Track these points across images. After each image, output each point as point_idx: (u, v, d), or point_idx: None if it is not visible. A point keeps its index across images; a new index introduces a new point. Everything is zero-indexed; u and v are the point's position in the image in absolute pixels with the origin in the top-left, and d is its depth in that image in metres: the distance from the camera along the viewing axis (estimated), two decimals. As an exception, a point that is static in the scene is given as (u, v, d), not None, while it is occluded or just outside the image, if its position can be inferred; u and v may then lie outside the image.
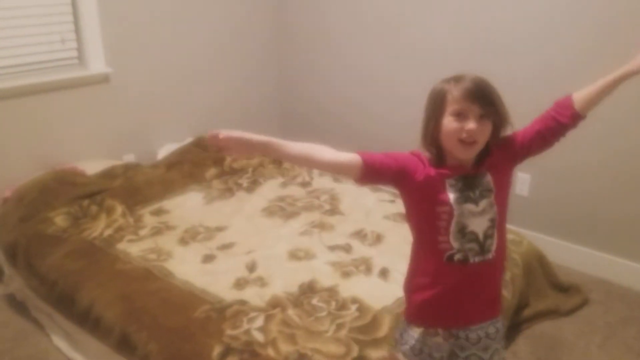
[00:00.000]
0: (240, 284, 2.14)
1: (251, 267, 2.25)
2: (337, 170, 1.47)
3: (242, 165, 3.22)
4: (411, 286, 1.52)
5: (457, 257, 1.40)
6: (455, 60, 3.13)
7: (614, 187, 2.72)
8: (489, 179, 1.41)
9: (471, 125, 1.33)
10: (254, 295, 2.06)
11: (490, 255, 1.42)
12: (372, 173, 1.40)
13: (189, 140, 3.42)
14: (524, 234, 2.65)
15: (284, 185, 3.06)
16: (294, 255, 2.34)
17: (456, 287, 1.43)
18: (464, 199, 1.39)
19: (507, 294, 2.28)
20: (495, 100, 1.38)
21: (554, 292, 2.57)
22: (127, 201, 2.76)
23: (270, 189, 3.01)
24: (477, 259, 1.40)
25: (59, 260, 2.34)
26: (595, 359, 2.28)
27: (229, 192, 2.97)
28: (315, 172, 3.22)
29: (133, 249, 2.40)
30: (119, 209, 2.69)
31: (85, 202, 2.70)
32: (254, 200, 2.88)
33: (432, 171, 1.40)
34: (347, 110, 3.72)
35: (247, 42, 3.81)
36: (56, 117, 3.03)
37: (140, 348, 1.90)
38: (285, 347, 1.79)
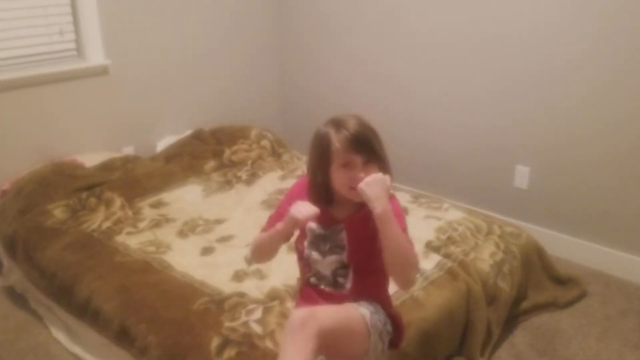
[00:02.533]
0: (239, 276, 2.15)
1: (250, 260, 2.25)
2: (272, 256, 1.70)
3: (241, 158, 3.22)
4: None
5: (312, 281, 1.62)
6: (457, 53, 3.12)
7: (613, 180, 2.72)
8: (342, 236, 1.54)
9: (360, 174, 1.45)
10: (252, 288, 2.06)
11: (344, 290, 1.57)
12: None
13: (188, 132, 3.42)
14: (522, 227, 2.65)
15: (283, 178, 3.06)
16: (293, 248, 2.32)
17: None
18: (315, 246, 1.57)
19: (506, 286, 2.29)
20: (375, 146, 1.49)
21: (552, 285, 2.58)
22: (126, 193, 2.75)
23: (270, 182, 3.01)
24: (328, 289, 1.59)
25: (58, 253, 2.35)
26: (593, 350, 2.29)
27: (228, 184, 2.97)
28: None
29: (132, 241, 2.40)
30: (118, 201, 2.69)
31: (84, 195, 2.70)
32: (253, 192, 2.88)
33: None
34: (348, 102, 3.71)
35: (247, 33, 3.79)
36: (55, 109, 3.03)
37: (139, 340, 1.90)
38: (283, 339, 1.79)
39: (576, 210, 2.89)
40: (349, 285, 1.56)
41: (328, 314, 1.46)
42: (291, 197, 1.63)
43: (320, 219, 1.53)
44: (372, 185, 1.42)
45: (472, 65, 3.07)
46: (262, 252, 1.67)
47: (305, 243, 1.58)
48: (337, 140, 1.46)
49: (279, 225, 1.54)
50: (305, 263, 1.63)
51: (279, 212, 1.63)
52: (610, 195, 2.76)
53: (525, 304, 2.46)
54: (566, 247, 2.89)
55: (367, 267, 1.56)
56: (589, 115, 2.71)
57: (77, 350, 2.27)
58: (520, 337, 2.36)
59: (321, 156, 1.50)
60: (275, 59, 4.02)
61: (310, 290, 1.63)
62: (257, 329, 1.84)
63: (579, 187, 2.85)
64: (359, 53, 3.57)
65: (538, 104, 2.87)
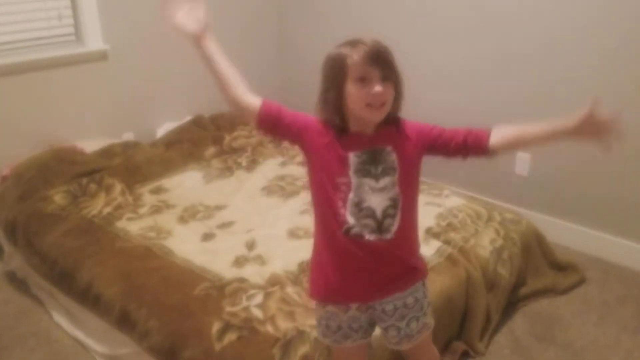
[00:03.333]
0: (239, 262, 2.15)
1: (251, 246, 2.26)
2: (239, 108, 1.45)
3: (241, 145, 3.21)
4: (314, 263, 1.52)
5: (353, 231, 1.39)
6: (459, 34, 3.10)
7: (613, 167, 2.72)
8: (393, 157, 1.40)
9: (377, 88, 1.32)
10: (253, 273, 2.07)
11: (388, 236, 1.40)
12: (268, 122, 1.42)
13: (188, 118, 3.41)
14: (523, 214, 2.66)
15: (283, 164, 3.06)
16: (294, 234, 2.34)
17: (356, 262, 1.42)
18: (364, 172, 1.38)
19: (505, 272, 2.30)
20: (393, 60, 1.37)
21: (551, 271, 2.59)
22: (126, 180, 2.75)
23: (270, 168, 3.00)
24: (372, 237, 1.39)
25: (58, 238, 2.35)
26: (591, 336, 2.30)
27: (228, 171, 2.97)
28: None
29: (132, 227, 2.40)
30: (118, 187, 2.69)
31: (84, 181, 2.70)
32: (253, 179, 2.88)
33: (336, 141, 1.38)
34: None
35: (245, 15, 3.75)
36: (54, 94, 3.02)
37: (141, 325, 1.91)
38: (284, 324, 1.80)
39: (576, 198, 2.89)
40: (394, 228, 1.40)
41: None
42: (309, 121, 1.44)
43: (361, 143, 1.38)
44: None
45: (474, 50, 3.05)
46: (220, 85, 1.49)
47: (352, 172, 1.38)
48: (354, 53, 1.33)
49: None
50: (342, 213, 1.39)
51: (297, 113, 1.45)
52: (610, 183, 2.76)
53: (524, 290, 2.47)
54: (566, 234, 2.89)
55: (411, 203, 1.46)
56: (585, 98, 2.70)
57: (78, 335, 2.29)
58: (519, 322, 2.37)
59: (335, 72, 1.36)
60: (273, 40, 3.97)
61: (348, 246, 1.40)
62: (258, 313, 1.85)
63: (580, 175, 2.85)
64: (362, 30, 3.53)
65: (540, 90, 2.86)
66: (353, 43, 1.36)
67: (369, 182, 1.38)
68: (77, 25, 3.05)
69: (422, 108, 3.31)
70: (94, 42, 3.09)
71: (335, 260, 1.44)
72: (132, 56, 3.27)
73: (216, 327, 1.80)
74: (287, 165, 3.04)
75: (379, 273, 1.44)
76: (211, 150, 3.13)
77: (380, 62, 1.34)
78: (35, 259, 2.38)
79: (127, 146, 3.05)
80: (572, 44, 2.70)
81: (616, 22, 2.55)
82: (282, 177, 2.89)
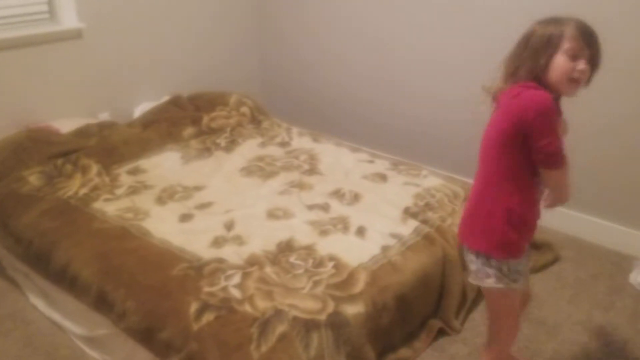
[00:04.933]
0: (218, 242, 2.15)
1: (229, 226, 2.25)
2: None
3: (220, 125, 3.18)
4: (510, 220, 1.59)
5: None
6: (442, 20, 3.10)
7: (586, 150, 2.76)
8: None
9: (582, 66, 1.45)
10: (232, 254, 2.07)
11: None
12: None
13: (165, 98, 3.36)
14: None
15: (262, 145, 3.05)
16: (273, 215, 2.34)
17: (538, 199, 1.62)
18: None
19: (482, 251, 2.33)
20: (601, 49, 1.49)
21: (527, 250, 2.63)
22: (102, 160, 2.72)
23: (249, 149, 2.99)
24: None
25: (34, 220, 2.32)
26: (564, 313, 2.35)
27: (207, 151, 2.95)
28: (295, 132, 3.20)
29: (109, 208, 2.38)
30: (95, 168, 2.66)
31: (60, 161, 2.66)
32: (232, 159, 2.87)
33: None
34: (327, 63, 3.68)
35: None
36: (28, 74, 2.95)
37: (118, 305, 1.91)
38: (262, 304, 1.81)
39: (552, 178, 2.93)
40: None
41: None
42: (550, 109, 1.49)
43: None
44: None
45: (456, 34, 3.05)
46: None
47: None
48: (572, 28, 1.46)
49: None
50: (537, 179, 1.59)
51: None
52: (584, 163, 2.79)
53: (500, 269, 2.51)
54: (541, 213, 2.93)
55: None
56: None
57: (55, 316, 2.27)
58: (494, 300, 2.41)
59: (548, 42, 1.47)
60: (251, 18, 3.93)
61: (537, 187, 1.61)
62: (236, 293, 1.86)
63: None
64: (342, 12, 3.51)
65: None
66: (567, 21, 1.47)
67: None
68: (51, 2, 2.97)
69: (415, 98, 3.35)
70: (69, 20, 3.02)
71: (531, 206, 1.64)
72: (108, 35, 3.20)
73: (194, 307, 1.80)
74: (267, 146, 3.03)
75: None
76: (189, 130, 3.10)
77: (593, 43, 1.47)
78: (10, 240, 2.35)
79: (103, 126, 3.00)
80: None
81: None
82: (261, 158, 2.88)
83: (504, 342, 1.78)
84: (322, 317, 1.78)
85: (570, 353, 2.15)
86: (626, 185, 2.71)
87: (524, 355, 2.10)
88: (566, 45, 1.45)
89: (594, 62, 1.48)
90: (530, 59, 1.49)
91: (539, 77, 1.49)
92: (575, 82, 1.47)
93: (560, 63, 1.45)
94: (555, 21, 1.49)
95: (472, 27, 2.97)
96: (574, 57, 1.45)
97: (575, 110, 2.71)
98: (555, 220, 2.91)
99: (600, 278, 2.59)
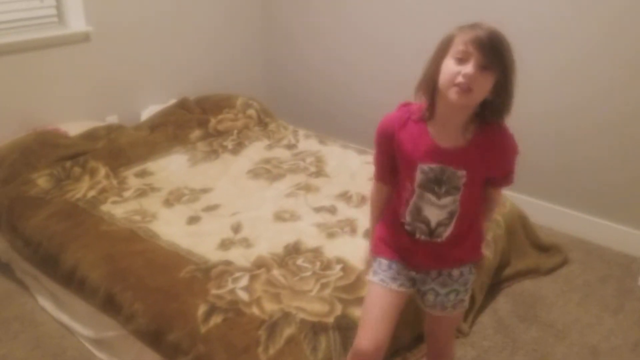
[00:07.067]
0: (225, 244, 2.15)
1: (236, 229, 2.26)
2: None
3: (227, 128, 3.19)
4: (381, 218, 1.58)
5: (408, 227, 1.48)
6: (445, 17, 3.09)
7: (595, 150, 2.75)
8: (462, 174, 1.39)
9: (468, 69, 1.27)
10: (239, 256, 2.07)
11: (439, 240, 1.46)
12: (390, 176, 1.51)
13: (172, 101, 3.37)
14: (507, 195, 2.67)
15: (269, 147, 3.05)
16: (280, 217, 2.35)
17: (407, 244, 1.50)
18: (428, 188, 1.41)
19: (489, 253, 2.32)
20: (504, 54, 1.31)
21: (535, 252, 2.62)
22: (110, 163, 2.73)
23: (256, 151, 2.99)
24: (423, 238, 1.47)
25: (42, 222, 2.33)
26: (573, 316, 2.34)
27: (213, 154, 2.95)
28: (301, 134, 3.20)
29: (117, 210, 2.39)
30: (103, 170, 2.67)
31: (68, 164, 2.67)
32: (239, 162, 2.87)
33: (420, 140, 1.40)
34: (333, 64, 3.68)
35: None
36: (36, 77, 2.97)
37: (126, 308, 1.91)
38: (269, 306, 1.81)
39: (559, 180, 2.92)
40: (446, 234, 1.45)
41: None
42: (381, 131, 1.50)
43: (435, 157, 1.38)
44: None
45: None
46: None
47: (417, 183, 1.41)
48: (464, 32, 1.31)
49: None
50: (403, 210, 1.48)
51: (379, 151, 1.53)
52: (592, 165, 2.78)
53: (508, 271, 2.50)
54: (549, 215, 2.92)
55: (470, 211, 1.46)
56: (573, 87, 2.72)
57: (63, 318, 2.28)
58: (502, 303, 2.40)
59: (440, 45, 1.34)
60: (258, 21, 3.93)
61: (405, 235, 1.49)
62: (243, 296, 1.86)
63: (563, 157, 2.87)
64: (348, 15, 3.51)
65: (523, 74, 2.86)
66: (472, 25, 1.33)
67: (430, 196, 1.43)
68: (59, 6, 2.99)
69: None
70: (77, 23, 3.04)
71: (392, 231, 1.53)
72: (116, 38, 3.22)
73: (202, 309, 1.81)
74: (273, 148, 3.03)
75: (427, 257, 1.50)
76: (196, 133, 3.11)
77: (487, 48, 1.28)
78: (19, 242, 2.36)
79: (111, 129, 3.02)
80: (559, 31, 2.71)
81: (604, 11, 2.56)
82: (267, 160, 2.88)
83: None
84: (330, 319, 1.78)
85: (579, 356, 2.14)
86: (634, 187, 2.69)
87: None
88: (454, 48, 1.30)
89: (493, 73, 1.29)
90: (428, 64, 1.38)
91: (433, 87, 1.36)
92: (459, 87, 1.28)
93: (447, 66, 1.30)
94: (462, 26, 1.34)
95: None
96: (459, 61, 1.28)
97: (580, 109, 2.72)
98: (563, 222, 2.91)
99: (608, 280, 2.57)
